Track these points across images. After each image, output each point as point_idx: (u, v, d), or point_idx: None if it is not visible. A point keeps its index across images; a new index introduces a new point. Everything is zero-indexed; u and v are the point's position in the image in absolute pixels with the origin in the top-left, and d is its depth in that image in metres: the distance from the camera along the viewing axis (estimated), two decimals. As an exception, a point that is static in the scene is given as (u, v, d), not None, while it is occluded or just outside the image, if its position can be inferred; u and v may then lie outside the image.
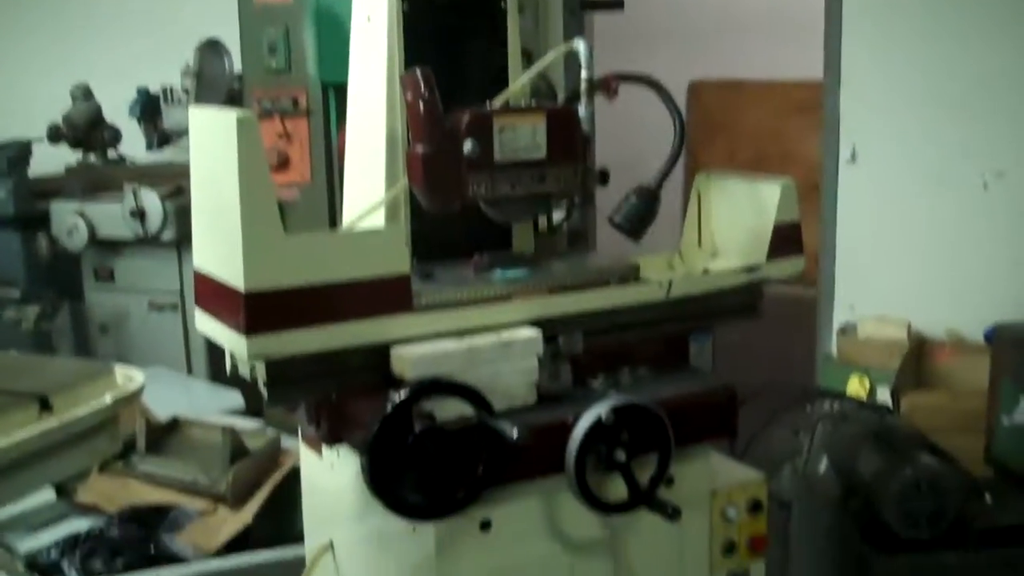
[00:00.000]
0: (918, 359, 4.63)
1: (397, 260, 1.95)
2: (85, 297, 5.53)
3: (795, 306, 5.87)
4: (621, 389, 2.17)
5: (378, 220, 2.13)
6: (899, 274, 4.87)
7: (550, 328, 2.10)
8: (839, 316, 5.04)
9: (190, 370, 5.33)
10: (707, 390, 2.23)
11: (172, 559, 3.16)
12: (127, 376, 2.18)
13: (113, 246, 5.25)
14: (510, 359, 2.03)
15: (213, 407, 4.36)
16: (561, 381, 2.16)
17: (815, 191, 5.01)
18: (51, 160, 5.63)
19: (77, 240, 5.13)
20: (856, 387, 4.56)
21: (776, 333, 6.10)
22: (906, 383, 4.43)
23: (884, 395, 4.39)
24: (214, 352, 5.02)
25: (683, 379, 2.27)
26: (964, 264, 4.74)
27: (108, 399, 2.05)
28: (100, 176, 5.48)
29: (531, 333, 2.06)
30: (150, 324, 5.35)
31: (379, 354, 1.98)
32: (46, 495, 3.56)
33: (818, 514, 3.31)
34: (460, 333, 2.03)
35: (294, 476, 2.80)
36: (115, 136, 5.64)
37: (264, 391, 1.94)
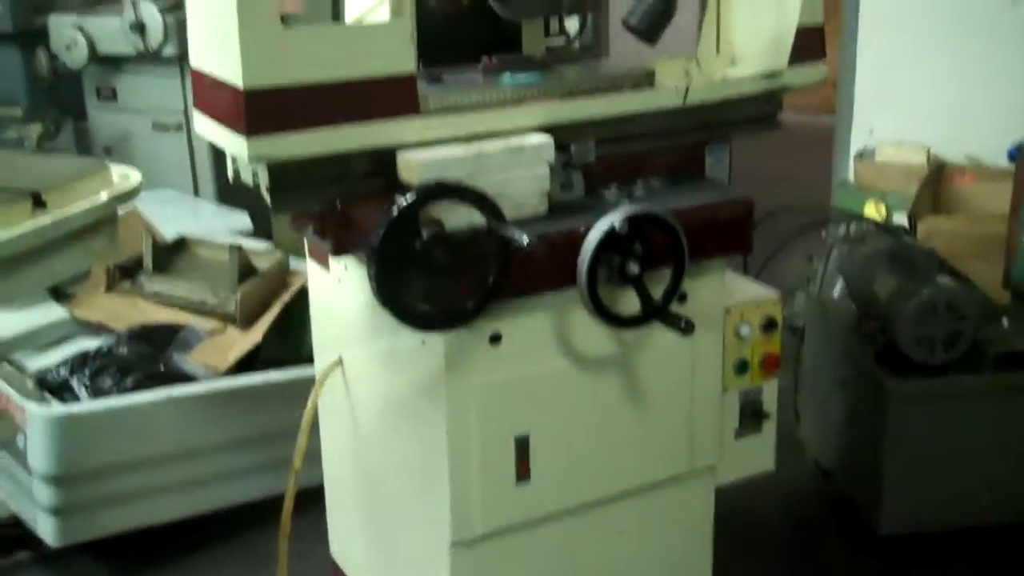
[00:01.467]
0: (937, 184, 4.53)
1: (402, 58, 1.86)
2: (88, 116, 5.43)
3: (814, 133, 5.77)
4: (634, 200, 2.09)
5: (382, 15, 2.02)
6: (919, 97, 4.75)
7: (562, 135, 2.02)
8: (857, 141, 4.94)
9: (197, 192, 5.27)
10: (723, 202, 2.16)
11: (182, 378, 3.15)
12: (123, 174, 2.10)
13: (114, 62, 5.13)
14: (520, 166, 1.95)
15: (221, 228, 4.30)
16: (573, 190, 2.09)
17: (836, 13, 4.85)
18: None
19: (77, 56, 5.00)
20: (872, 212, 4.49)
21: (794, 160, 6.03)
22: (924, 208, 4.35)
23: (901, 220, 4.32)
24: (221, 173, 4.95)
25: (698, 190, 2.19)
26: (986, 86, 4.60)
27: (104, 196, 1.98)
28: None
29: (542, 139, 1.98)
30: (155, 145, 5.26)
31: (385, 159, 1.91)
32: (53, 312, 3.55)
33: (832, 338, 3.27)
34: (469, 138, 1.96)
35: (303, 296, 2.76)
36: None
37: (267, 197, 1.88)
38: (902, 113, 4.81)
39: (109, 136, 5.33)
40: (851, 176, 4.87)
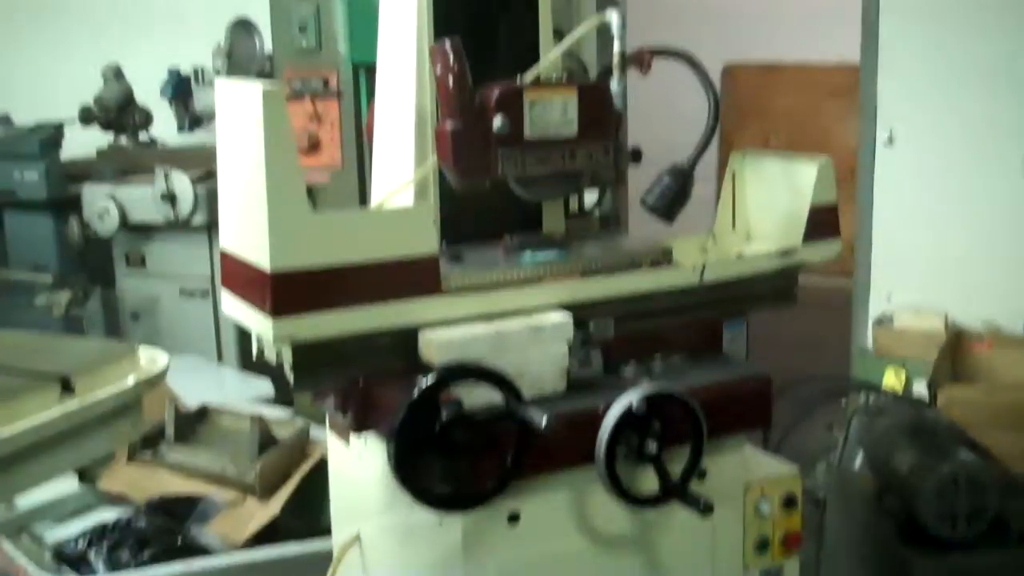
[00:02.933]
0: (955, 351, 4.55)
1: (425, 240, 1.91)
2: (116, 282, 5.52)
3: (831, 296, 5.81)
4: (653, 377, 2.11)
5: (407, 199, 2.08)
6: (936, 263, 4.79)
7: (581, 312, 2.05)
8: (875, 306, 4.97)
9: (220, 357, 5.31)
10: (741, 378, 2.17)
11: (200, 550, 3.14)
12: (151, 358, 2.14)
13: (144, 230, 5.24)
14: (540, 344, 1.98)
15: (243, 395, 4.33)
16: (592, 368, 2.11)
17: (851, 177, 4.94)
18: (83, 142, 5.62)
19: (108, 224, 5.12)
20: (892, 380, 4.49)
21: (811, 323, 6.04)
22: (943, 376, 4.35)
23: (920, 388, 4.32)
24: (244, 339, 5.00)
25: (716, 367, 2.21)
26: (1002, 253, 4.65)
27: (131, 381, 2.01)
28: (131, 159, 5.47)
29: (561, 317, 2.01)
30: (181, 310, 5.34)
31: (407, 337, 1.94)
32: (73, 484, 3.56)
33: (853, 512, 3.25)
34: (489, 317, 1.99)
35: (322, 466, 2.77)
36: (146, 118, 5.62)
37: (290, 375, 1.91)
38: (920, 279, 4.85)
39: (136, 302, 5.41)
40: (870, 342, 4.89)
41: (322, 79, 4.24)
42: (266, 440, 3.53)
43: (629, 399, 1.94)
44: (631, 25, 4.70)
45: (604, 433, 1.94)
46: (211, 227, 4.94)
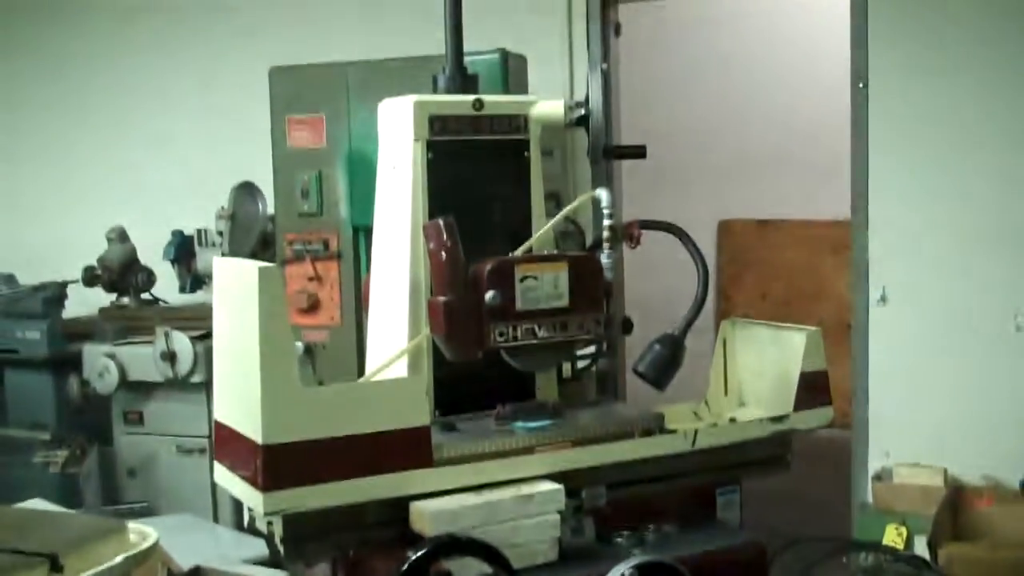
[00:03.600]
0: (955, 507, 4.51)
1: (417, 411, 1.94)
2: (114, 440, 5.51)
3: (828, 448, 5.78)
4: (646, 545, 2.12)
5: (400, 370, 2.12)
6: (934, 418, 4.78)
7: (573, 481, 2.08)
8: (874, 461, 4.94)
9: (216, 515, 5.27)
10: (735, 547, 2.18)
11: None
12: (141, 534, 2.15)
13: (143, 388, 5.25)
14: (531, 514, 2.00)
15: (237, 555, 4.29)
16: (584, 536, 2.11)
17: (848, 330, 4.97)
18: (85, 302, 5.68)
19: (108, 383, 5.14)
20: (893, 536, 4.44)
21: (809, 475, 6.00)
22: (943, 532, 4.31)
23: (921, 544, 4.27)
24: (240, 501, 4.97)
25: (710, 535, 2.22)
26: (999, 408, 4.65)
27: (119, 559, 2.02)
28: (133, 318, 5.51)
29: (553, 487, 2.03)
30: (178, 468, 5.31)
31: (398, 508, 1.96)
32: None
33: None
34: (481, 487, 2.00)
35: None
36: (149, 278, 5.68)
37: (280, 547, 1.91)
38: (918, 434, 4.83)
39: (134, 459, 5.39)
40: (870, 497, 4.85)
41: (323, 241, 4.32)
42: (260, 605, 3.49)
43: (620, 570, 1.94)
44: (626, 185, 4.81)
45: (596, 605, 1.94)
46: (209, 385, 4.94)
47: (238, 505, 5.13)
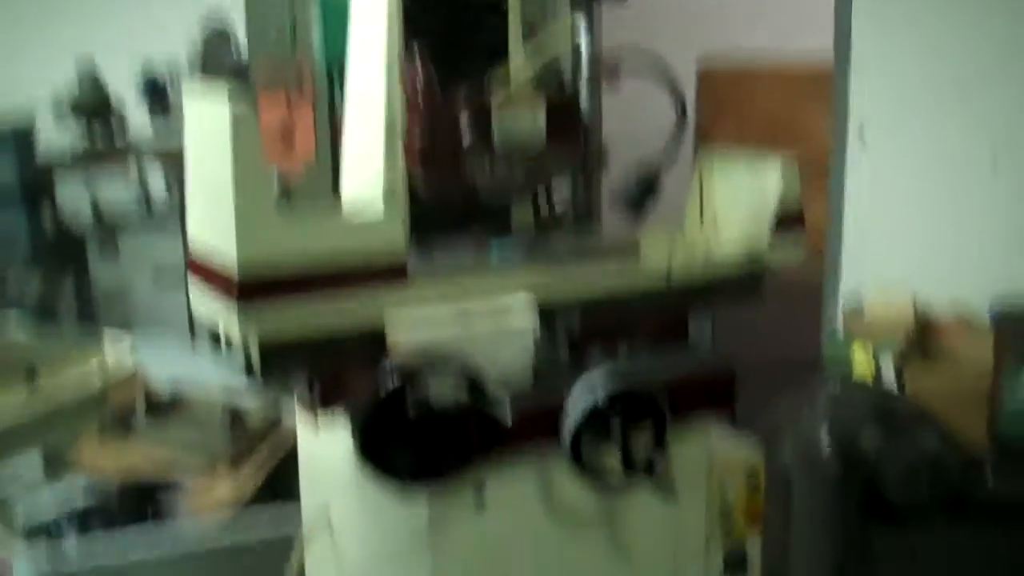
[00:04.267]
0: (923, 336, 4.60)
1: (394, 245, 1.94)
2: (89, 270, 5.52)
3: (801, 287, 5.86)
4: (618, 367, 2.15)
5: (376, 204, 2.11)
6: (906, 253, 4.84)
7: (548, 306, 2.09)
8: (845, 290, 5.02)
9: (193, 345, 5.32)
10: (706, 368, 2.22)
11: (171, 530, 3.16)
12: (118, 351, 2.16)
13: (117, 219, 5.24)
14: (505, 335, 2.03)
15: (214, 374, 4.33)
16: (557, 358, 2.14)
17: (826, 172, 4.98)
18: (56, 136, 5.61)
19: (82, 216, 5.12)
20: (861, 358, 4.54)
21: (781, 314, 6.10)
22: (911, 359, 4.40)
23: (888, 372, 4.37)
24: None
25: (682, 356, 2.26)
26: (972, 242, 4.69)
27: (97, 381, 2.04)
28: (105, 151, 5.47)
29: (528, 308, 2.05)
30: (154, 297, 5.35)
31: (374, 335, 1.97)
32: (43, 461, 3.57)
33: (818, 490, 3.30)
34: (456, 311, 2.02)
35: (292, 445, 2.79)
36: (120, 109, 5.62)
37: (257, 371, 1.94)
38: (890, 265, 4.89)
39: (109, 290, 5.41)
40: (840, 325, 4.94)
41: (296, 71, 4.25)
42: (236, 419, 3.57)
43: (594, 396, 1.98)
44: (605, 18, 4.71)
45: (569, 428, 1.99)
46: (183, 214, 4.94)
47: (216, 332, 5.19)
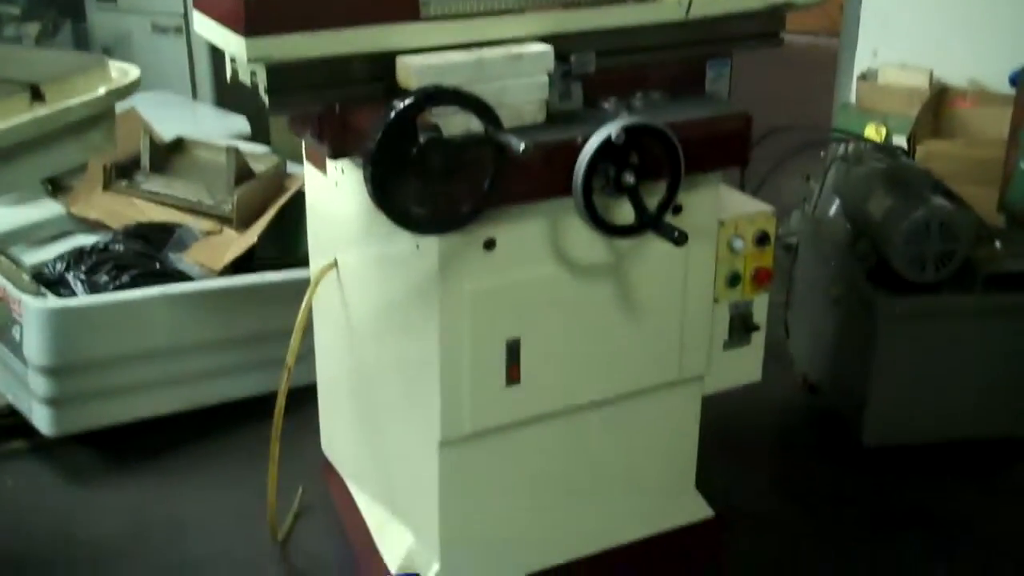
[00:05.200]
0: (938, 108, 4.53)
1: (404, -40, 1.86)
2: (87, 16, 5.39)
3: (818, 55, 5.75)
4: (633, 111, 2.10)
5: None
6: (923, 21, 4.72)
7: (562, 45, 2.02)
8: (861, 62, 4.91)
9: (195, 95, 5.25)
10: (720, 116, 2.16)
11: (178, 276, 3.17)
12: (122, 70, 2.10)
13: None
14: (520, 74, 1.96)
15: (219, 131, 4.30)
16: (572, 101, 2.08)
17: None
18: None
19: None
20: (873, 133, 4.48)
21: (797, 82, 6.01)
22: (924, 131, 4.35)
23: (901, 142, 4.32)
24: (220, 76, 4.93)
25: (697, 104, 2.20)
26: (989, 12, 4.57)
27: (102, 90, 1.98)
28: None
29: (542, 48, 1.98)
30: (154, 47, 5.23)
31: (385, 64, 1.91)
32: (50, 209, 3.57)
33: (825, 256, 3.30)
34: (469, 46, 1.96)
35: (300, 199, 2.78)
36: None
37: (265, 98, 1.88)
38: (906, 36, 4.78)
39: (108, 37, 5.30)
40: (853, 98, 4.86)
41: None
42: (243, 172, 3.53)
43: (609, 130, 1.93)
44: None
45: (582, 162, 1.95)
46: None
47: (218, 83, 5.12)
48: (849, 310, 3.13)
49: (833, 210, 3.37)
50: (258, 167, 3.61)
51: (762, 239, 2.33)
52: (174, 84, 5.11)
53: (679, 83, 2.24)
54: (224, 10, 1.85)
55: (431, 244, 1.97)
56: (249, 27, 1.77)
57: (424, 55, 1.91)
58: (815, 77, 5.67)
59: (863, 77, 4.85)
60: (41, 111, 1.82)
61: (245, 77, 1.94)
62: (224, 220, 3.42)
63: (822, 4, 2.40)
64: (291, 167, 3.61)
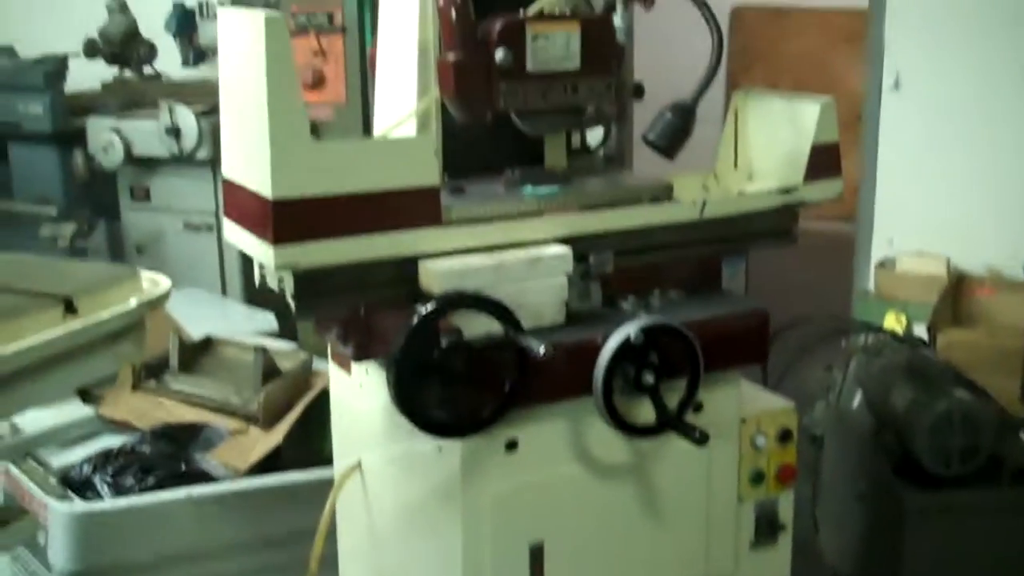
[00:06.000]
0: (956, 295, 4.56)
1: (427, 170, 1.92)
2: (121, 216, 5.53)
3: (834, 242, 5.82)
4: (651, 310, 2.13)
5: (409, 130, 2.09)
6: (939, 207, 4.79)
7: (580, 246, 2.07)
8: (878, 250, 4.98)
9: (224, 291, 5.34)
10: (738, 313, 2.19)
11: (203, 477, 3.17)
12: (153, 281, 2.16)
13: (149, 164, 5.24)
14: (539, 276, 2.00)
15: (246, 328, 4.36)
16: (591, 300, 2.13)
17: (858, 123, 4.93)
18: (88, 75, 5.61)
19: (113, 157, 5.12)
20: (892, 322, 4.51)
21: (813, 269, 6.07)
22: (943, 319, 4.37)
23: (921, 331, 4.33)
24: (248, 273, 5.00)
25: (714, 302, 2.23)
26: (1005, 199, 4.65)
27: (133, 302, 2.04)
28: (136, 92, 5.46)
29: (561, 250, 2.03)
30: (185, 244, 5.35)
31: (408, 268, 1.96)
32: (78, 410, 3.59)
33: (850, 449, 3.28)
34: (490, 249, 2.01)
35: (325, 397, 2.79)
36: (151, 51, 5.61)
37: (292, 303, 1.93)
38: (922, 223, 4.85)
39: (141, 235, 5.42)
40: (872, 285, 4.90)
41: (327, 14, 4.22)
42: (269, 370, 3.56)
43: (627, 330, 1.97)
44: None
45: (602, 363, 1.97)
46: (215, 161, 4.95)
47: (247, 281, 5.21)
48: (876, 504, 3.10)
49: (856, 402, 3.37)
50: (285, 364, 3.65)
51: (785, 436, 2.32)
52: (205, 280, 5.21)
53: (696, 280, 2.29)
54: (252, 218, 1.91)
55: (453, 447, 1.98)
56: (278, 236, 1.82)
57: (446, 259, 1.96)
58: (831, 262, 5.73)
59: (881, 265, 4.90)
60: (74, 324, 1.87)
61: (273, 283, 1.99)
62: (250, 419, 3.44)
63: (836, 197, 2.45)
64: (317, 363, 3.64)
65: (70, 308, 1.89)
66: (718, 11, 2.26)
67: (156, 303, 2.11)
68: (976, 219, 4.71)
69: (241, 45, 1.87)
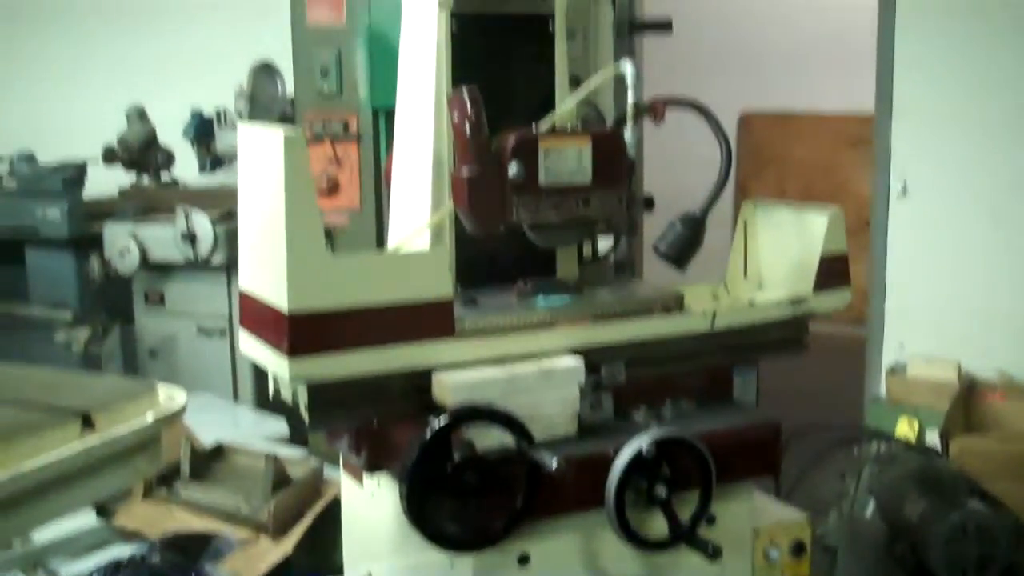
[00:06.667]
0: (968, 401, 4.55)
1: (440, 283, 1.95)
2: (135, 320, 5.56)
3: (843, 346, 5.82)
4: (663, 422, 2.14)
5: (423, 243, 2.12)
6: (950, 312, 4.80)
7: (592, 357, 2.09)
8: (888, 356, 4.97)
9: (236, 396, 5.34)
10: (750, 425, 2.20)
11: (212, 580, 3.16)
12: (170, 395, 2.18)
13: (164, 269, 5.28)
14: (551, 388, 2.02)
15: (258, 434, 4.36)
16: (603, 412, 2.14)
17: (866, 228, 4.97)
18: (105, 182, 5.68)
19: (129, 263, 5.16)
20: (905, 429, 4.49)
21: (824, 373, 6.06)
22: (956, 426, 4.35)
23: (933, 437, 4.31)
24: (260, 379, 5.02)
25: (726, 413, 2.24)
26: (1016, 303, 4.66)
27: (150, 418, 2.06)
28: (153, 198, 5.52)
29: (573, 362, 2.04)
30: (198, 349, 5.37)
31: (421, 379, 1.98)
32: (89, 520, 3.59)
33: (864, 560, 3.25)
34: (502, 360, 2.02)
35: (335, 506, 2.79)
36: (168, 158, 5.68)
37: (305, 415, 1.94)
38: (932, 328, 4.85)
39: (155, 340, 5.44)
40: (883, 390, 4.89)
41: (343, 123, 4.29)
42: (280, 479, 3.56)
43: (639, 443, 1.97)
44: (647, 73, 4.76)
45: (614, 476, 1.97)
46: (230, 267, 4.99)
47: (259, 386, 5.21)
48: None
49: (869, 511, 3.34)
50: (295, 472, 3.65)
51: (798, 548, 2.31)
52: (217, 383, 5.21)
53: (707, 390, 2.30)
54: (268, 330, 1.93)
55: (466, 562, 1.97)
56: (293, 347, 1.84)
57: (459, 371, 1.97)
58: (842, 364, 5.72)
59: (891, 371, 4.90)
60: (91, 440, 1.89)
61: (287, 395, 2.00)
62: (261, 528, 3.43)
63: (845, 307, 2.46)
64: (328, 470, 3.64)
65: (88, 423, 1.90)
66: (726, 117, 2.30)
67: (172, 418, 2.13)
68: (986, 323, 4.72)
69: (260, 161, 1.91)
